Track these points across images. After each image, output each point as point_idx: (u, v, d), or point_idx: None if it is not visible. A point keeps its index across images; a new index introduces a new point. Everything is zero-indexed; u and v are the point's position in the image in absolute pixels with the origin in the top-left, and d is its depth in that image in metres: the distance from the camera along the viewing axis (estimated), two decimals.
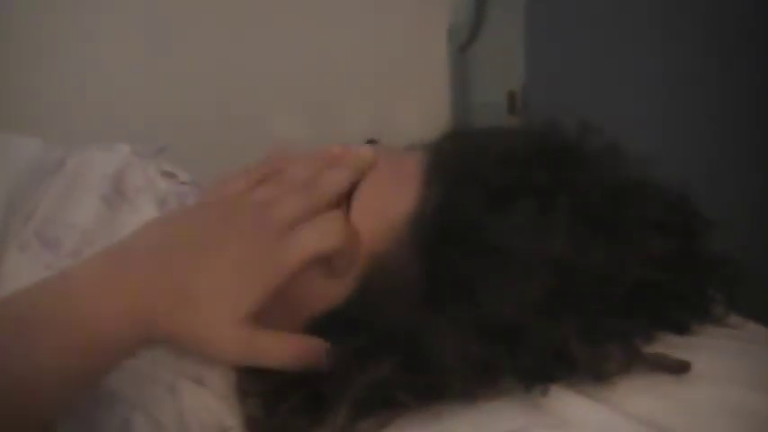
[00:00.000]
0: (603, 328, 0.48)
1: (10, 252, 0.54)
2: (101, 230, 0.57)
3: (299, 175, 0.50)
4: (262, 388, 0.51)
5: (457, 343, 0.47)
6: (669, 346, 0.50)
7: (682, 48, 0.88)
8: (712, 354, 0.49)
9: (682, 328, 0.52)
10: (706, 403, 0.46)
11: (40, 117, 0.91)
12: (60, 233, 0.56)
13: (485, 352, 0.47)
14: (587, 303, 0.48)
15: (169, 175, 0.62)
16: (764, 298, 0.58)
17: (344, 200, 0.50)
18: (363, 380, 0.48)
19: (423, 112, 0.92)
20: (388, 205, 0.50)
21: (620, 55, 0.88)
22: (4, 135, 0.64)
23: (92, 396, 0.46)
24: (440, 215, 0.49)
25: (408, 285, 0.49)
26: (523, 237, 0.48)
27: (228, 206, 0.46)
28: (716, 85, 0.86)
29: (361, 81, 0.98)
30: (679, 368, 0.47)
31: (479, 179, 0.49)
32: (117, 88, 1.06)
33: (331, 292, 0.49)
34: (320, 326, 0.49)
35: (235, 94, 1.02)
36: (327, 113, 0.96)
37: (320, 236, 0.46)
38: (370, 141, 0.56)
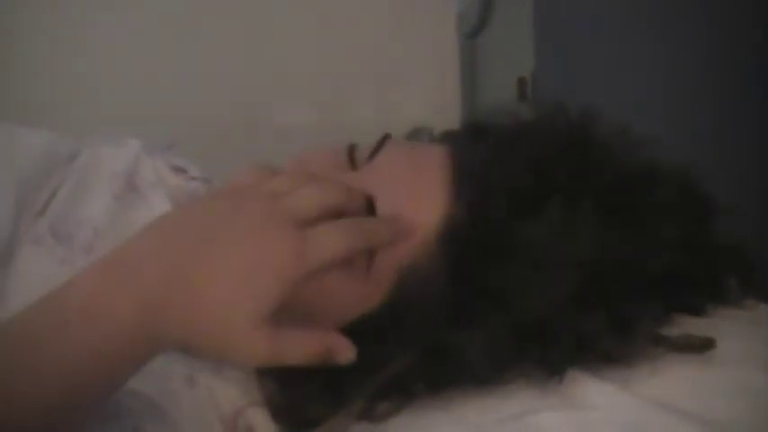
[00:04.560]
0: (629, 317, 0.50)
1: (24, 246, 0.56)
2: (113, 226, 0.58)
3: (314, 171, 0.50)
4: (281, 373, 0.52)
5: (486, 349, 0.49)
6: (683, 329, 0.52)
7: (691, 34, 0.89)
8: (726, 336, 0.51)
9: (697, 311, 0.54)
10: (720, 385, 0.48)
11: (48, 117, 0.93)
12: (73, 228, 0.57)
13: (514, 355, 0.49)
14: (615, 296, 0.50)
15: (179, 171, 0.64)
16: None
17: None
18: (385, 373, 0.50)
19: (432, 100, 0.93)
20: (417, 216, 0.50)
21: (629, 40, 0.89)
22: (12, 127, 0.65)
23: (97, 410, 0.44)
24: (469, 228, 0.50)
25: (438, 296, 0.50)
26: (552, 241, 0.49)
27: (238, 197, 0.45)
28: (729, 70, 0.86)
29: (370, 69, 0.99)
30: (704, 345, 0.50)
31: (506, 186, 0.50)
32: (123, 80, 1.07)
33: (360, 302, 0.50)
34: (349, 333, 0.48)
35: (242, 85, 1.04)
36: (336, 102, 0.98)
37: (348, 238, 0.45)
38: (386, 137, 0.55)
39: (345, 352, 0.46)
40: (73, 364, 0.40)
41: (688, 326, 0.52)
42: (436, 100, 0.93)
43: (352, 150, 0.53)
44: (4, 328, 0.40)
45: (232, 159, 0.56)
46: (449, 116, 0.60)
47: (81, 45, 1.08)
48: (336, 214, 0.46)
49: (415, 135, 0.58)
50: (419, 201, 0.51)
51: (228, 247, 0.42)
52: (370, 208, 0.50)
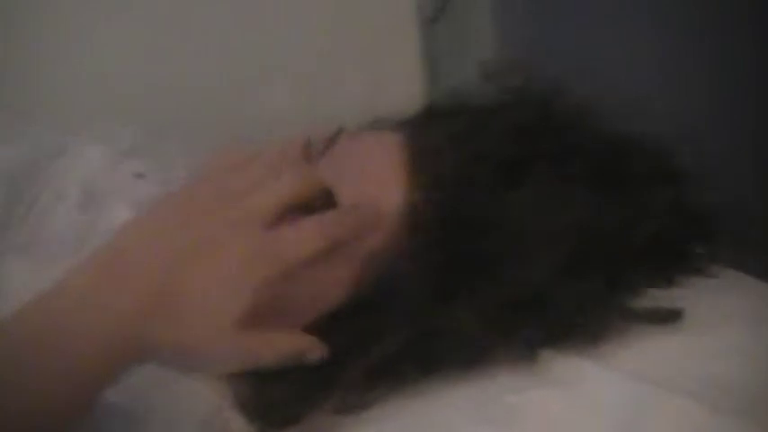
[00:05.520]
0: (605, 292, 0.51)
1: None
2: (78, 237, 0.58)
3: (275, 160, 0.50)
4: (254, 372, 0.51)
5: (462, 330, 0.49)
6: (651, 298, 0.53)
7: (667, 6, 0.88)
8: (695, 303, 0.52)
9: (668, 282, 0.55)
10: (692, 351, 0.50)
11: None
12: (40, 242, 0.58)
13: (492, 334, 0.49)
14: (595, 270, 0.51)
15: (141, 177, 0.64)
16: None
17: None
18: (364, 363, 0.50)
19: (394, 84, 0.94)
20: (377, 200, 0.50)
21: (594, 16, 0.88)
22: None
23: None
24: (433, 208, 0.50)
25: (407, 280, 0.50)
26: (526, 216, 0.50)
27: (205, 202, 0.45)
28: (710, 54, 0.85)
29: (330, 57, 0.99)
30: (671, 317, 0.51)
31: (465, 162, 0.50)
32: (100, 64, 1.06)
33: (331, 295, 0.50)
34: (325, 324, 0.49)
35: (218, 70, 1.04)
36: (303, 90, 0.98)
37: (316, 236, 0.46)
38: (339, 131, 0.55)
39: (316, 350, 0.46)
40: (54, 379, 0.40)
41: (657, 296, 0.53)
42: (399, 85, 0.94)
43: (306, 146, 0.53)
44: None
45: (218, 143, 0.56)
46: (413, 102, 0.60)
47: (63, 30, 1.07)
48: (298, 205, 0.47)
49: (376, 124, 0.58)
50: (378, 187, 0.51)
51: (202, 258, 0.43)
52: (329, 198, 0.50)
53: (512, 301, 0.49)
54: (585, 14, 0.87)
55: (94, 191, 0.62)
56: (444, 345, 0.50)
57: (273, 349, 0.45)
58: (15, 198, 0.60)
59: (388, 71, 0.97)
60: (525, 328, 0.49)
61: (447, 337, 0.49)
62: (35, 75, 1.06)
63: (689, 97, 0.83)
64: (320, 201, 0.49)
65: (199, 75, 1.04)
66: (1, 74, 1.02)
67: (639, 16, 0.88)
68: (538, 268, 0.49)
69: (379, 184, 0.51)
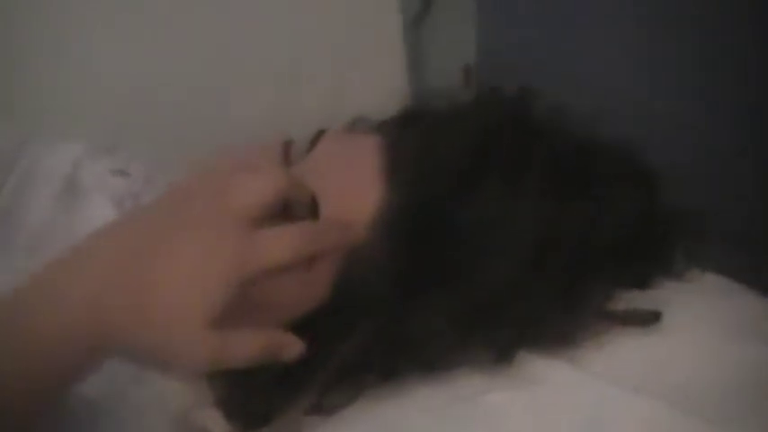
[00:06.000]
0: (578, 293, 0.51)
1: None
2: (54, 229, 0.59)
3: (255, 161, 0.51)
4: (230, 370, 0.51)
5: (435, 331, 0.49)
6: (630, 301, 0.53)
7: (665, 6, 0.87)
8: (672, 307, 0.52)
9: (643, 284, 0.55)
10: (669, 355, 0.50)
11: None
12: (12, 232, 0.58)
13: (464, 336, 0.50)
14: (563, 269, 0.51)
15: (121, 174, 0.64)
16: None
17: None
18: (337, 362, 0.50)
19: (379, 86, 0.94)
20: (354, 206, 0.51)
21: (584, 17, 0.88)
22: None
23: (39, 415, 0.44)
24: (408, 210, 0.50)
25: (382, 283, 0.50)
26: (491, 218, 0.50)
27: (182, 198, 0.45)
28: (710, 54, 0.84)
29: (315, 58, 0.99)
30: (650, 319, 0.51)
31: (443, 166, 0.51)
32: (100, 64, 1.07)
33: (305, 297, 0.50)
34: (300, 324, 0.49)
35: (192, 69, 1.04)
36: (282, 90, 0.98)
37: (296, 244, 0.45)
38: (320, 133, 0.56)
39: (292, 347, 0.46)
40: (19, 368, 0.40)
41: (633, 298, 0.53)
42: (383, 87, 0.93)
43: (287, 146, 0.54)
44: None
45: (187, 147, 0.57)
46: (395, 103, 0.60)
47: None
48: (282, 206, 0.47)
49: (355, 125, 0.59)
50: (355, 193, 0.51)
51: (176, 249, 0.42)
52: (312, 204, 0.50)
53: (479, 303, 0.49)
54: (574, 15, 0.87)
55: (74, 184, 0.62)
56: (414, 347, 0.50)
57: (246, 350, 0.44)
58: None
59: (372, 72, 0.97)
60: (494, 329, 0.49)
61: (417, 339, 0.50)
62: (35, 75, 1.07)
63: (688, 97, 0.83)
64: (302, 204, 0.49)
65: (196, 76, 1.05)
66: (1, 74, 1.03)
67: (635, 17, 0.88)
68: (493, 278, 0.49)
69: (357, 189, 0.51)
